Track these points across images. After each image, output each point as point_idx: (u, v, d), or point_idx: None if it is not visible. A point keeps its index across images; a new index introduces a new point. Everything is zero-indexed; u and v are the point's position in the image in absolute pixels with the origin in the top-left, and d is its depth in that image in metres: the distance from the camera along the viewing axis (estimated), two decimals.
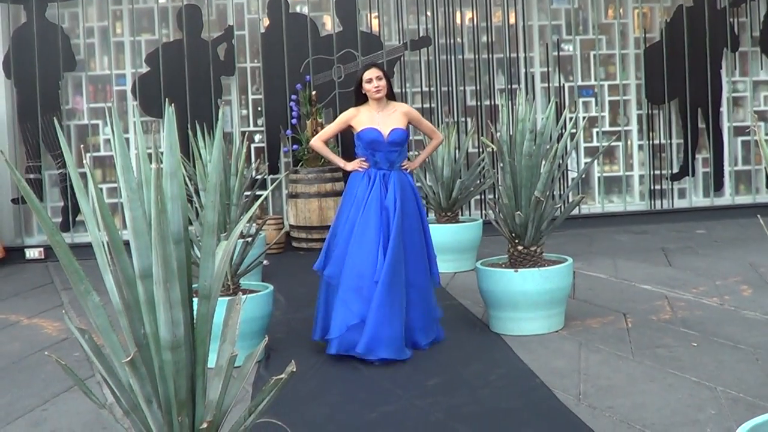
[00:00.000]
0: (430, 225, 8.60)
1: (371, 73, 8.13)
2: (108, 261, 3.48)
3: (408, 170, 8.34)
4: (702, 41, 15.27)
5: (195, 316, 3.60)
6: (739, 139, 15.66)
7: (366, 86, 8.12)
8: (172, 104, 3.84)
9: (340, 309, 7.72)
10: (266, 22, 14.50)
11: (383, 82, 8.13)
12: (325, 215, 13.45)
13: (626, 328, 8.38)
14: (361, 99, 8.28)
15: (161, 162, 3.41)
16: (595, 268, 11.25)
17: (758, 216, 4.69)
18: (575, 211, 13.66)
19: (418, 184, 12.68)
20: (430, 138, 8.99)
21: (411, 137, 11.42)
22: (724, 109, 15.54)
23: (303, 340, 8.34)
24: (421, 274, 8.08)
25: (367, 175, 8.12)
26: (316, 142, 8.60)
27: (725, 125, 15.57)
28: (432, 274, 8.25)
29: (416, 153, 10.79)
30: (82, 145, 14.00)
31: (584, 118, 14.89)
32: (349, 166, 8.31)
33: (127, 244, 3.45)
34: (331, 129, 8.62)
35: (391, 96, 8.31)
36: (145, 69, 14.22)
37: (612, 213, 15.25)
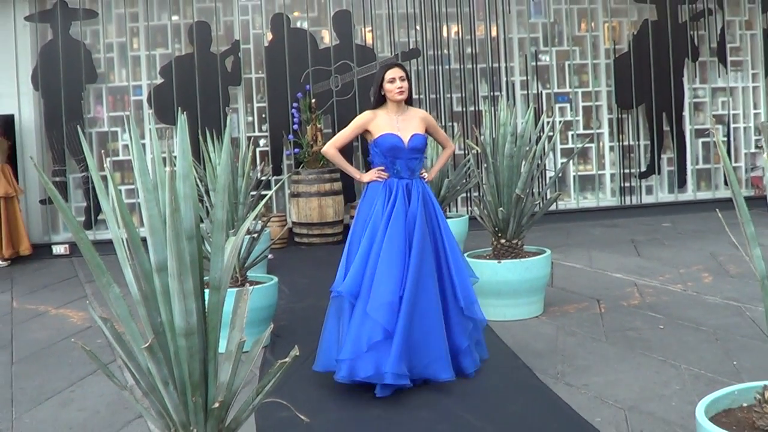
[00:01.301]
0: None
1: (395, 72, 6.85)
2: (127, 256, 3.48)
3: (426, 180, 7.03)
4: (666, 52, 15.30)
5: (206, 306, 3.60)
6: (700, 140, 15.71)
7: (387, 86, 6.84)
8: (185, 112, 3.84)
9: (361, 326, 6.37)
10: (270, 36, 14.49)
11: (406, 84, 6.87)
12: (325, 213, 13.46)
13: (600, 313, 8.39)
14: (379, 100, 6.97)
15: (175, 165, 3.41)
16: (572, 258, 11.26)
17: (717, 210, 4.69)
18: (553, 207, 13.65)
19: None
20: (442, 147, 7.51)
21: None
22: (686, 113, 15.59)
23: (306, 327, 8.32)
24: (443, 295, 6.70)
25: (386, 186, 6.83)
26: (330, 150, 7.10)
27: (687, 128, 15.60)
28: (456, 297, 6.72)
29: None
30: (102, 151, 13.99)
31: (560, 122, 14.94)
32: (366, 177, 6.98)
33: (144, 240, 3.44)
34: (345, 134, 7.11)
35: (409, 101, 7.06)
36: (159, 80, 14.22)
37: (586, 208, 15.26)
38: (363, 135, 7.12)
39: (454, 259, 6.81)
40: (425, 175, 7.05)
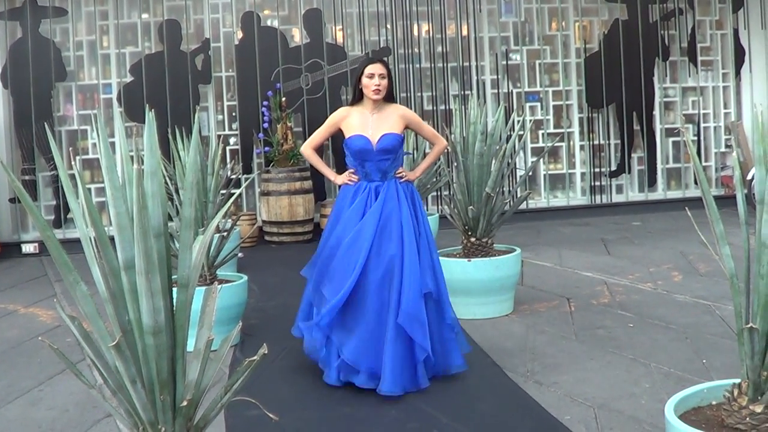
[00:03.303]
0: None
1: (375, 68, 6.55)
2: (95, 254, 3.46)
3: (405, 180, 6.69)
4: (636, 51, 15.36)
5: (174, 304, 3.59)
6: (670, 139, 15.78)
7: (365, 81, 6.56)
8: (152, 110, 3.82)
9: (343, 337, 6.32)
10: (240, 34, 14.46)
11: (386, 82, 6.57)
12: (295, 211, 13.44)
13: (569, 311, 8.42)
14: (357, 95, 6.70)
15: (143, 163, 3.40)
16: (542, 257, 11.29)
17: (686, 209, 4.72)
18: (523, 206, 13.68)
19: None
20: (432, 144, 7.14)
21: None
22: (656, 112, 15.66)
23: (275, 326, 8.32)
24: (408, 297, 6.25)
25: (357, 190, 6.61)
26: (306, 150, 7.00)
27: (657, 127, 15.68)
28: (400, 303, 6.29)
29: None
30: (70, 149, 13.93)
31: (530, 121, 14.98)
32: (339, 179, 6.79)
33: (112, 238, 3.43)
34: (320, 133, 6.90)
35: (389, 98, 6.74)
36: (129, 78, 14.15)
37: (556, 207, 15.31)
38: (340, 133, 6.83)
39: (410, 266, 6.35)
40: (403, 174, 6.70)
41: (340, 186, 6.84)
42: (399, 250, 6.35)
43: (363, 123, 6.62)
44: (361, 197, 6.55)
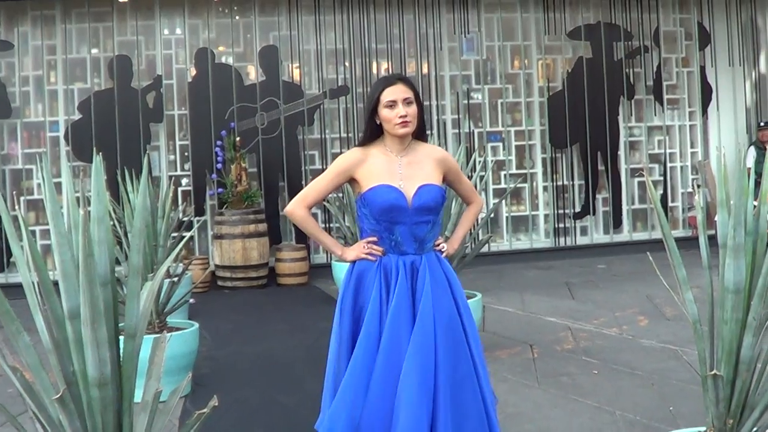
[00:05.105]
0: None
1: (396, 91, 4.63)
2: (38, 302, 3.45)
3: (446, 255, 4.82)
4: (601, 90, 15.50)
5: (121, 354, 3.58)
6: (636, 180, 15.90)
7: (385, 114, 4.65)
8: (100, 153, 3.82)
9: None
10: (193, 71, 14.46)
11: (413, 109, 4.64)
12: (249, 255, 13.38)
13: (532, 358, 8.44)
14: (372, 132, 4.80)
15: (90, 205, 3.40)
16: (504, 302, 11.31)
17: (648, 253, 4.76)
18: (485, 249, 13.73)
19: (337, 225, 12.65)
20: (466, 203, 5.22)
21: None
22: (621, 152, 15.78)
23: (227, 375, 8.27)
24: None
25: (381, 269, 4.60)
26: (298, 210, 4.79)
27: (622, 167, 15.80)
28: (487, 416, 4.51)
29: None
30: (14, 192, 13.81)
31: (492, 161, 15.04)
32: (350, 253, 4.70)
33: (56, 283, 3.42)
34: (320, 187, 4.82)
35: (420, 134, 4.83)
36: (77, 116, 14.09)
37: (519, 250, 15.35)
38: (349, 184, 4.90)
39: (479, 361, 4.65)
40: (443, 247, 4.84)
41: (351, 263, 4.75)
42: None
43: (390, 169, 4.69)
44: (398, 284, 4.55)
